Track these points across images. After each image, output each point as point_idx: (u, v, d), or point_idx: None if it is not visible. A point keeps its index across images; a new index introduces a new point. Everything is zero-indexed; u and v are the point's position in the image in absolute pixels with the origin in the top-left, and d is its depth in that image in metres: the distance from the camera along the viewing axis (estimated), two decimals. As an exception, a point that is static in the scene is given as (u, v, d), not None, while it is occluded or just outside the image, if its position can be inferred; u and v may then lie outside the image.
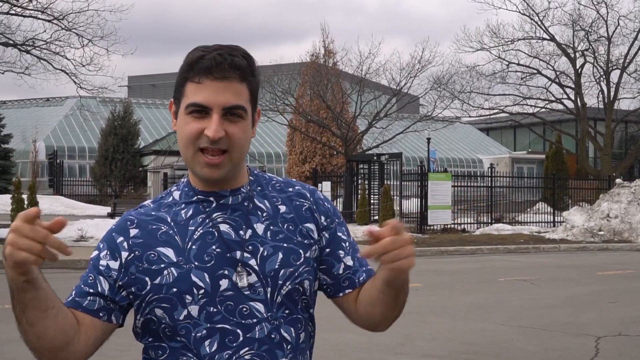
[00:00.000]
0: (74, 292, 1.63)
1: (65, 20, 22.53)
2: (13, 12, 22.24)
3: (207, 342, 1.58)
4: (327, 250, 1.74)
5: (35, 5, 22.24)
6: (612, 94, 38.63)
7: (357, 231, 21.63)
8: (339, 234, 1.77)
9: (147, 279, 1.59)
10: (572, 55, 38.30)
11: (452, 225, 23.88)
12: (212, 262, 1.60)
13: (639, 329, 8.30)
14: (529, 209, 28.25)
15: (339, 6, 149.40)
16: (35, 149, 43.73)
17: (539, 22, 37.96)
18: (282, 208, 1.70)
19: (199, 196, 1.66)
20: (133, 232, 1.63)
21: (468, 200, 27.08)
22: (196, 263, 1.59)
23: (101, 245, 1.65)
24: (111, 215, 24.94)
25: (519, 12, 38.26)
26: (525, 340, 7.51)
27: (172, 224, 1.64)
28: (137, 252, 1.61)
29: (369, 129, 33.15)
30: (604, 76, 38.73)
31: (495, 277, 13.22)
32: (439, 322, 8.45)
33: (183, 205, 1.67)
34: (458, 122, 45.57)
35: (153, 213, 1.67)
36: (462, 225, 24.35)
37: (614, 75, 38.92)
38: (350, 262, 1.76)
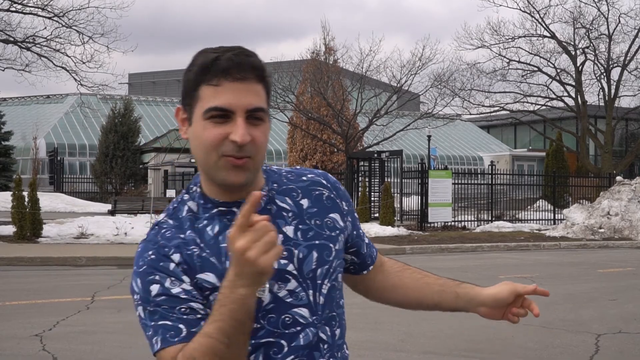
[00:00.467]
0: (183, 327, 1.46)
1: (66, 17, 22.55)
2: (13, 9, 22.24)
3: (251, 357, 1.55)
4: (354, 232, 1.77)
5: (36, 3, 22.24)
6: (612, 91, 38.60)
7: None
8: (355, 214, 1.80)
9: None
10: (573, 53, 38.26)
11: (453, 223, 23.88)
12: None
13: (639, 326, 8.31)
14: (529, 207, 28.25)
15: (339, 3, 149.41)
16: (36, 146, 43.76)
17: (540, 20, 37.92)
18: (305, 202, 1.65)
19: (220, 208, 1.58)
20: (176, 257, 1.52)
21: (468, 198, 27.09)
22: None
23: (157, 277, 1.49)
24: (111, 213, 24.92)
25: (520, 9, 38.23)
26: (525, 337, 7.51)
27: (202, 245, 1.54)
28: (193, 279, 1.51)
29: (370, 127, 33.13)
30: (604, 74, 38.68)
31: (496, 275, 13.23)
32: (440, 319, 8.45)
33: (206, 222, 1.57)
34: (458, 120, 45.62)
35: (182, 236, 1.55)
36: (463, 223, 24.36)
37: (615, 73, 38.91)
38: (366, 239, 1.83)
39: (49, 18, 22.52)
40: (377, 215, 23.88)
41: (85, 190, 41.21)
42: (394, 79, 32.60)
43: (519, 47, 38.83)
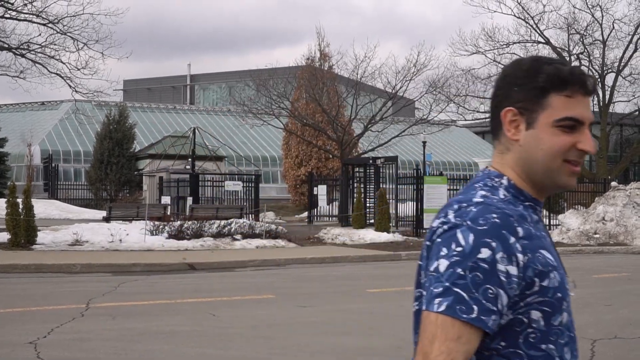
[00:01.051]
0: (476, 309, 1.43)
1: (60, 24, 22.56)
2: (8, 15, 22.25)
3: (566, 349, 1.57)
4: None
5: (30, 9, 22.26)
6: (607, 97, 38.74)
7: (354, 235, 21.63)
8: None
9: (536, 279, 1.50)
10: (568, 59, 38.40)
11: (448, 229, 23.86)
12: (564, 271, 1.61)
13: (635, 331, 8.31)
14: (524, 212, 28.25)
15: (334, 9, 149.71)
16: (31, 153, 43.63)
17: (534, 26, 38.09)
18: None
19: (530, 202, 1.64)
20: (520, 231, 1.51)
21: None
22: (561, 270, 1.58)
23: (493, 244, 1.46)
24: (106, 220, 24.84)
25: (514, 15, 38.41)
26: (521, 343, 7.50)
27: (532, 224, 1.58)
28: (529, 255, 1.50)
29: (365, 133, 33.18)
30: (599, 79, 38.82)
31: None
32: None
33: (521, 207, 1.61)
34: (454, 126, 45.66)
35: (513, 209, 1.56)
36: (458, 229, 24.34)
37: (609, 79, 39.07)
38: None
39: (44, 25, 22.53)
40: (372, 221, 23.86)
41: (80, 197, 41.09)
42: (389, 85, 32.65)
43: (514, 53, 38.96)
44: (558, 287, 1.53)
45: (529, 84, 1.61)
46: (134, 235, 18.25)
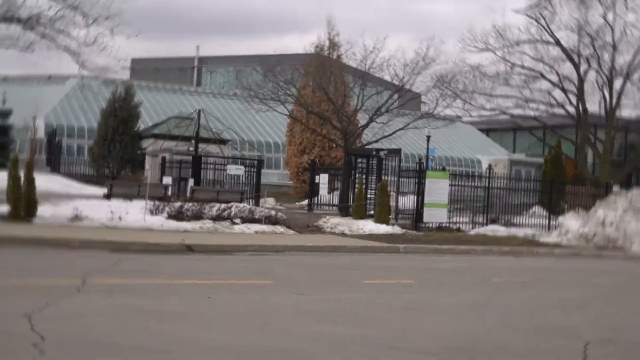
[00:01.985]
0: None
1: (71, -2, 22.48)
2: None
3: None
4: None
5: (42, -18, 22.20)
6: (614, 101, 38.57)
7: (353, 225, 21.65)
8: None
9: None
10: (577, 61, 38.21)
11: (448, 224, 23.88)
12: None
13: (628, 335, 8.33)
14: (525, 212, 28.25)
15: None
16: (35, 127, 43.64)
17: (545, 26, 37.86)
18: None
19: None
20: None
21: (464, 200, 27.08)
22: None
23: None
24: (107, 197, 24.84)
25: (526, 14, 38.15)
26: (516, 340, 7.53)
27: None
28: None
29: (370, 124, 33.13)
30: (606, 83, 38.66)
31: (488, 278, 13.25)
32: (431, 319, 8.47)
33: None
34: (459, 122, 45.61)
35: None
36: (457, 225, 24.36)
37: (617, 83, 38.87)
38: None
39: (54, -1, 22.47)
40: (372, 212, 23.88)
41: (82, 172, 41.06)
42: (397, 78, 32.55)
43: (523, 52, 38.77)
44: None
45: None
46: (134, 214, 18.27)
